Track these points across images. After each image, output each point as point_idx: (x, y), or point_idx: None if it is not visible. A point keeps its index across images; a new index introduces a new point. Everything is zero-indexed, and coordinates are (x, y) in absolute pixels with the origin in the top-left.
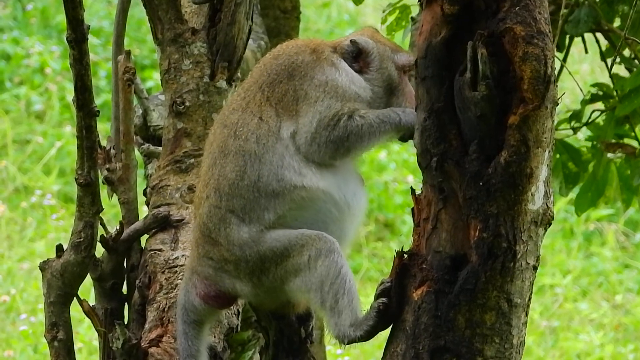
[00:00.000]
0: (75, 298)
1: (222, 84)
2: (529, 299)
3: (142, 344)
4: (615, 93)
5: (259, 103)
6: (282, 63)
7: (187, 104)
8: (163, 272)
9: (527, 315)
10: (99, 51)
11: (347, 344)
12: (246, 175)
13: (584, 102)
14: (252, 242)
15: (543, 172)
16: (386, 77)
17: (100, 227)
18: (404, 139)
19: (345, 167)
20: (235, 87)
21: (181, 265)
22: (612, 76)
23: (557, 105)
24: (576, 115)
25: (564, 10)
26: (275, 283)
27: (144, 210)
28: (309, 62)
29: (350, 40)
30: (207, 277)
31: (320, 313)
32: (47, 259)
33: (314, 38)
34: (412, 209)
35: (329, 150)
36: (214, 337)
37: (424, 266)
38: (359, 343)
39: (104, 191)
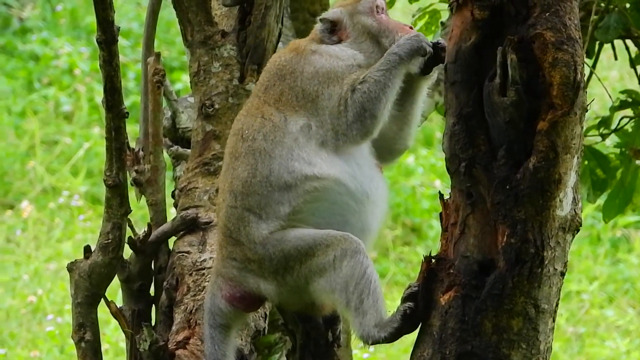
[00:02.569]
0: (102, 299)
1: (252, 86)
2: (557, 304)
3: (169, 346)
4: None
5: (257, 106)
6: (269, 70)
7: (216, 106)
8: (190, 274)
9: (554, 321)
10: (127, 53)
11: (371, 344)
12: (258, 172)
13: (613, 109)
14: (275, 240)
15: (571, 178)
16: (362, 29)
17: (128, 228)
18: (426, 69)
19: (360, 153)
20: None
21: (209, 268)
22: None
23: (586, 111)
24: (605, 122)
25: (593, 17)
26: (299, 282)
27: (172, 212)
28: (292, 59)
29: (319, 19)
30: (232, 279)
31: (345, 314)
32: (75, 260)
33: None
34: (440, 214)
35: (357, 131)
36: (241, 339)
37: (452, 271)
38: (383, 346)
39: (132, 193)
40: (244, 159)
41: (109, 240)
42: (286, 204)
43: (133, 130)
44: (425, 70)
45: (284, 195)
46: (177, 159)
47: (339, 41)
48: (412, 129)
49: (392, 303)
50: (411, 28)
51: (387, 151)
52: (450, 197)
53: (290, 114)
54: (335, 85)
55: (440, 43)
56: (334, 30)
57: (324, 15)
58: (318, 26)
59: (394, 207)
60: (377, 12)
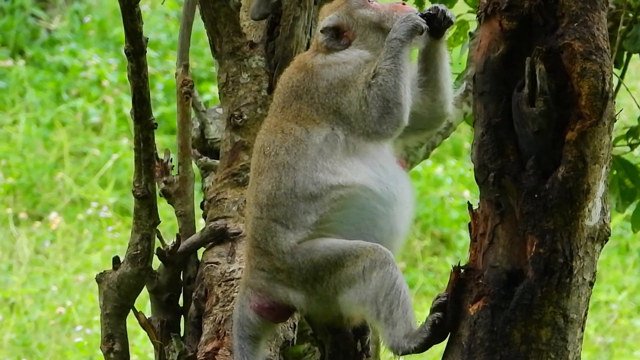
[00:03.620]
0: (131, 310)
1: None
2: (585, 314)
3: (197, 357)
4: None
5: (276, 123)
6: (282, 92)
7: (245, 117)
8: (219, 285)
9: (582, 331)
10: (156, 64)
11: (401, 355)
12: (282, 185)
13: None
14: (303, 250)
15: (600, 188)
16: (364, 22)
17: (157, 239)
18: (437, 34)
19: (382, 155)
20: None
21: (237, 278)
22: None
23: (615, 121)
24: (633, 132)
25: (622, 27)
26: (328, 292)
27: (201, 223)
28: (304, 78)
29: (321, 31)
30: (261, 289)
31: (374, 324)
32: (104, 271)
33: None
34: (469, 224)
35: (387, 124)
36: (270, 350)
37: (481, 281)
38: (413, 356)
39: (161, 204)
40: (267, 173)
41: (138, 251)
42: (313, 213)
43: (162, 141)
44: (437, 35)
45: (310, 205)
46: (206, 170)
47: (349, 43)
48: (445, 95)
49: (421, 314)
50: (404, 3)
51: (427, 121)
52: (479, 207)
53: (311, 126)
54: (351, 90)
55: (432, 9)
56: (339, 35)
57: (324, 25)
58: (321, 37)
59: (423, 217)
60: (369, 0)
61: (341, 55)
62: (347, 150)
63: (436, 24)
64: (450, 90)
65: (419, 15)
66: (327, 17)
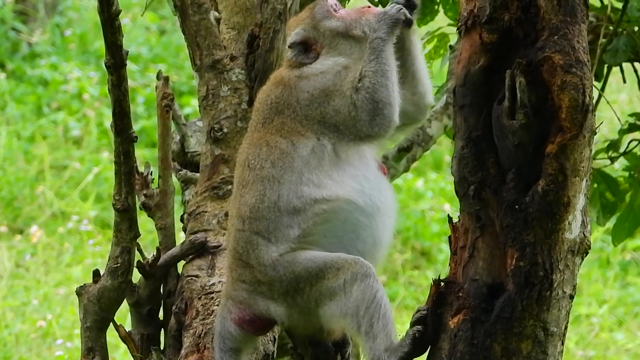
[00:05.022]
0: (111, 323)
1: None
2: (565, 327)
3: None
4: None
5: (259, 137)
6: (262, 109)
7: (225, 130)
8: (199, 298)
9: (563, 344)
10: (136, 77)
11: None
12: (266, 198)
13: (622, 132)
14: (285, 262)
15: (580, 201)
16: (331, 33)
17: (137, 252)
18: (408, 22)
19: (365, 166)
20: None
21: (218, 292)
22: None
23: (595, 134)
24: (614, 145)
25: (602, 40)
26: (309, 304)
27: (181, 237)
28: (282, 92)
29: (288, 47)
30: (242, 301)
31: (355, 337)
32: (84, 284)
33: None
34: (449, 237)
35: (379, 126)
36: None
37: (461, 294)
38: None
39: (141, 217)
40: (252, 186)
41: (118, 265)
42: (295, 227)
43: (142, 154)
44: (408, 22)
45: (293, 219)
46: (186, 183)
47: (318, 56)
48: (425, 85)
49: (402, 327)
50: (369, 7)
51: (411, 114)
52: (459, 220)
53: (297, 138)
54: (335, 98)
55: None
56: (307, 49)
57: (290, 40)
58: (290, 53)
59: (404, 230)
60: (334, 10)
61: (317, 66)
62: (335, 159)
63: (413, 6)
64: (428, 79)
65: (395, 5)
66: (294, 32)
